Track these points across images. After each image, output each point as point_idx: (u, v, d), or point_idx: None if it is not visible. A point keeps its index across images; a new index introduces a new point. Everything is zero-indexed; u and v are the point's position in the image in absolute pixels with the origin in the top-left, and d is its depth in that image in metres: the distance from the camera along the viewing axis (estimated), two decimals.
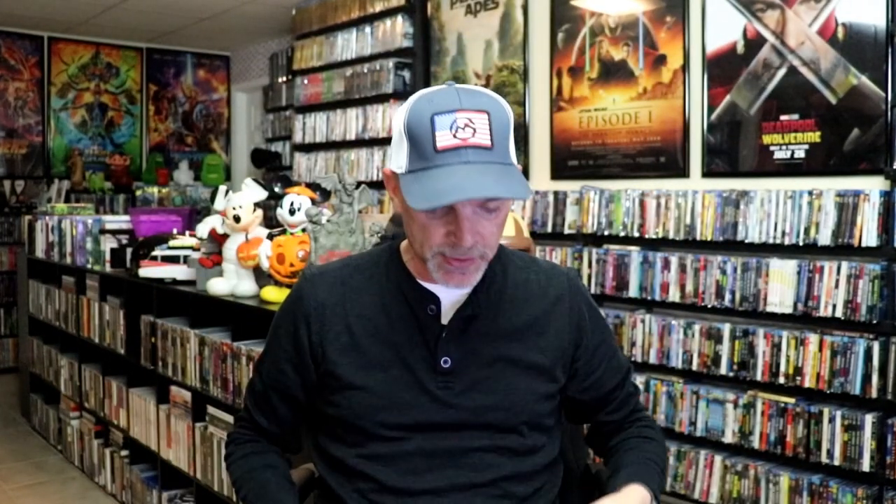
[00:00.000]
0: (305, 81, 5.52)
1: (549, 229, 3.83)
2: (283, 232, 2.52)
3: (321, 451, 1.34)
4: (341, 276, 1.33)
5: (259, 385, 1.39)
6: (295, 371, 1.32)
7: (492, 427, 1.26)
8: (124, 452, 3.57)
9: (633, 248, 3.46)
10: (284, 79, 6.28)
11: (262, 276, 2.65)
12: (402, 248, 1.32)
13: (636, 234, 3.46)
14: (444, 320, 1.27)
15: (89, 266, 3.83)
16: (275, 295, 2.48)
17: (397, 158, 1.18)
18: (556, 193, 3.83)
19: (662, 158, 3.56)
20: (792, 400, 2.92)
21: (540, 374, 1.29)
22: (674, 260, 3.29)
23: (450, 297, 1.27)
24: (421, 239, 1.19)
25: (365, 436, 1.26)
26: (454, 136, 1.12)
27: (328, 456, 1.31)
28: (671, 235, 3.34)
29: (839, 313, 2.82)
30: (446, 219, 1.16)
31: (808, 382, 2.87)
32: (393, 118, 1.24)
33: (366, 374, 1.25)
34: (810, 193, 2.93)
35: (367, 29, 5.00)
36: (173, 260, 3.07)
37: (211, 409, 2.82)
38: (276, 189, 5.06)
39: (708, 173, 3.38)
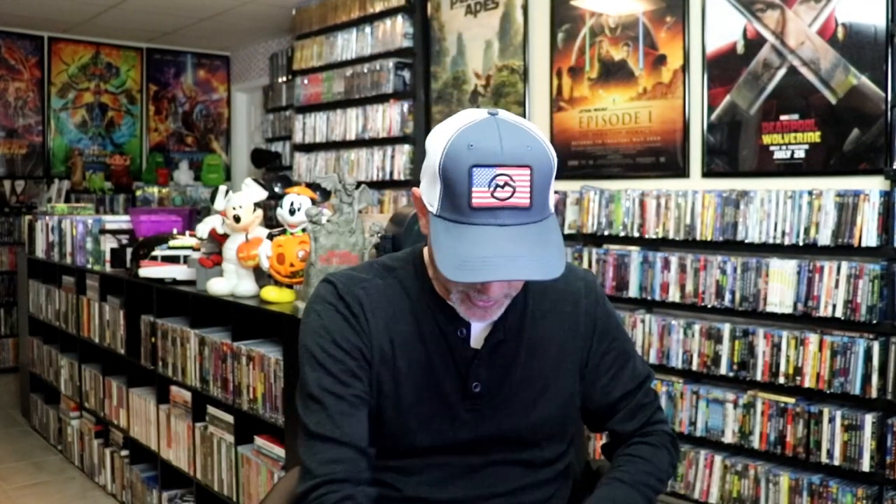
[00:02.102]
0: (305, 81, 5.52)
1: None
2: (283, 232, 2.52)
3: None
4: (373, 282, 1.27)
5: (334, 411, 1.19)
6: (366, 376, 1.23)
7: (513, 443, 1.28)
8: (124, 452, 3.56)
9: (633, 248, 3.46)
10: (284, 79, 6.28)
11: (262, 276, 2.66)
12: (426, 260, 1.28)
13: (636, 234, 3.46)
14: (474, 343, 1.25)
15: (89, 266, 3.83)
16: (275, 295, 2.48)
17: (429, 193, 1.13)
18: (555, 193, 3.83)
19: (662, 158, 3.56)
20: (792, 400, 2.92)
21: (562, 385, 1.31)
22: (674, 260, 3.29)
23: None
24: (444, 279, 1.16)
25: (391, 448, 1.26)
26: (492, 194, 1.06)
27: None
28: (671, 235, 3.34)
29: (839, 313, 2.82)
30: None
31: (808, 382, 2.87)
32: (430, 138, 1.15)
33: (399, 392, 1.24)
34: (810, 193, 2.93)
35: (367, 29, 5.00)
36: (173, 260, 3.07)
37: (211, 409, 2.82)
38: (276, 189, 5.06)
39: (708, 173, 3.38)
